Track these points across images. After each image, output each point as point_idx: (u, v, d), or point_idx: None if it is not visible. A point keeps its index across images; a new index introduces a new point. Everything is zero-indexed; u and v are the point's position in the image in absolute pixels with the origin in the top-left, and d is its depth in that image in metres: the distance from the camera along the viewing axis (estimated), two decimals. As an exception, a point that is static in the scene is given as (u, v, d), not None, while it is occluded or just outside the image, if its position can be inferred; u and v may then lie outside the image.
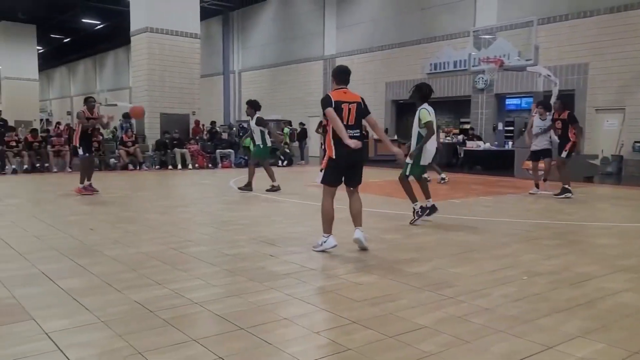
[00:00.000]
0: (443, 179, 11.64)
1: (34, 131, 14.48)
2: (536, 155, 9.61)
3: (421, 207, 6.47)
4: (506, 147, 16.58)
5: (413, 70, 20.46)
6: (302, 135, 19.98)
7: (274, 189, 9.46)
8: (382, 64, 21.58)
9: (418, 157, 6.47)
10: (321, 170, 4.87)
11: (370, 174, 7.94)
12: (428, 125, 6.34)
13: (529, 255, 4.78)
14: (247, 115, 9.64)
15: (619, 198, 10.06)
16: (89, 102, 9.10)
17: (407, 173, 6.54)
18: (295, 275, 4.03)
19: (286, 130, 18.95)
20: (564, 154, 9.10)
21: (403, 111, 22.81)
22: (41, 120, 30.69)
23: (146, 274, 3.97)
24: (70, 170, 14.04)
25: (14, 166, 13.62)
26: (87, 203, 8.10)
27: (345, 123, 4.59)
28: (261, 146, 9.39)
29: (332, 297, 3.54)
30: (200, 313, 3.17)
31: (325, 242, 4.80)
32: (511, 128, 18.45)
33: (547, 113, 9.45)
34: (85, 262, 4.28)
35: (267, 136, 9.37)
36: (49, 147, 14.18)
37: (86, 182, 9.13)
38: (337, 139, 4.61)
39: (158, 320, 3.00)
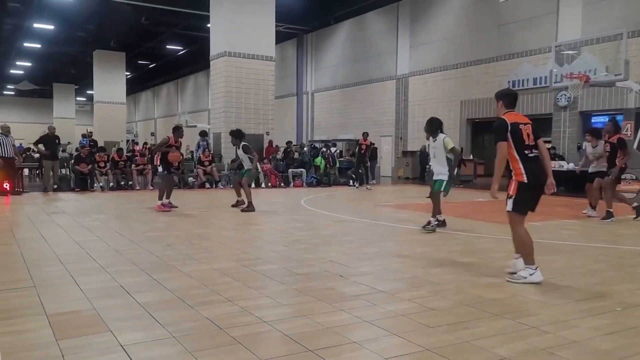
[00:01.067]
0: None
1: (119, 151, 15.42)
2: (592, 177, 9.27)
3: (439, 221, 7.43)
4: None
5: (490, 88, 19.81)
6: (373, 155, 19.85)
7: (239, 204, 9.88)
8: (457, 82, 21.11)
9: (451, 176, 7.44)
10: (509, 197, 4.50)
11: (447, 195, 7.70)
12: (455, 150, 7.45)
13: (622, 285, 4.38)
14: (233, 145, 9.99)
15: None
16: (178, 131, 9.69)
17: (442, 189, 7.33)
18: (365, 297, 3.92)
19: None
20: (609, 178, 8.67)
21: (479, 130, 22.13)
22: (127, 141, 32.68)
23: (218, 291, 4.01)
24: (152, 187, 14.77)
25: (101, 184, 14.52)
26: (165, 220, 8.44)
27: (527, 144, 4.47)
28: (253, 170, 9.90)
29: (404, 321, 3.39)
30: (269, 332, 3.14)
31: (532, 274, 4.37)
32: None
33: (598, 140, 9.04)
34: (160, 277, 4.41)
35: (256, 162, 9.90)
36: (132, 165, 15.02)
37: (165, 200, 9.53)
38: (525, 160, 4.39)
39: (227, 338, 3.00)
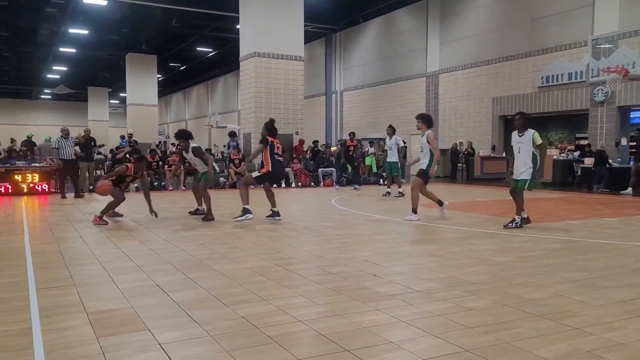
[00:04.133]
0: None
1: (152, 152, 15.68)
2: None
3: (523, 218, 7.31)
4: (631, 164, 15.05)
5: (523, 84, 19.42)
6: (403, 153, 19.67)
7: (198, 212, 8.90)
8: (489, 79, 20.74)
9: (534, 173, 7.26)
10: None
11: (476, 193, 7.56)
12: (543, 145, 7.28)
13: (668, 285, 4.21)
14: (182, 148, 8.67)
15: None
16: (141, 162, 8.80)
17: (526, 187, 7.24)
18: (400, 296, 3.87)
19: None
20: None
21: (511, 127, 21.71)
22: (159, 142, 33.29)
23: (252, 290, 4.03)
24: (184, 188, 14.98)
25: (136, 184, 14.80)
26: (197, 219, 8.52)
27: None
28: (210, 173, 8.55)
29: (441, 321, 3.33)
30: (305, 332, 3.12)
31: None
32: (634, 143, 16.75)
33: None
34: (195, 276, 4.46)
35: (213, 163, 8.69)
36: (165, 166, 15.26)
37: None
38: None
39: (264, 337, 3.00)
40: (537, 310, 3.53)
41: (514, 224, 7.32)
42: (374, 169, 18.17)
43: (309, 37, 26.20)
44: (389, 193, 12.71)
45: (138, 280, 4.34)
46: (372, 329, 3.17)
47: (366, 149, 20.35)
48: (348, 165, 15.87)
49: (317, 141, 20.86)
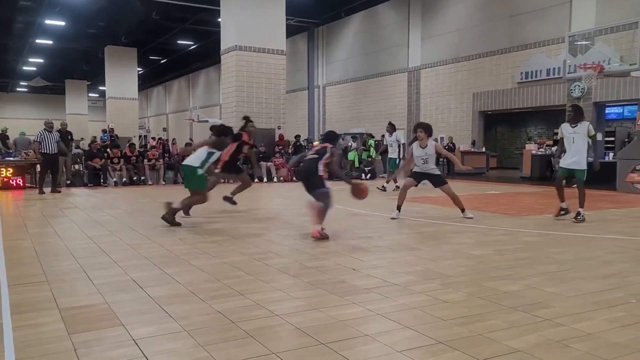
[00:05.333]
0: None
1: (131, 146, 15.47)
2: None
3: (562, 209, 7.68)
4: (606, 159, 15.34)
5: (502, 80, 19.63)
6: (386, 148, 19.77)
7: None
8: (469, 74, 20.92)
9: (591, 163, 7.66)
10: None
11: (455, 188, 7.64)
12: (595, 137, 7.50)
13: (637, 277, 4.31)
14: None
15: None
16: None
17: (584, 178, 7.58)
18: (377, 290, 3.90)
19: (370, 142, 18.86)
20: None
21: (491, 122, 21.94)
22: (140, 136, 32.90)
23: (229, 284, 4.02)
24: (164, 183, 14.84)
25: (115, 179, 14.63)
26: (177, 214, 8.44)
27: None
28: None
29: (417, 314, 3.37)
30: (281, 326, 3.13)
31: None
32: (612, 139, 17.07)
33: None
34: (172, 271, 4.43)
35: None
36: (145, 160, 15.09)
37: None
38: None
39: (239, 332, 3.00)
40: (510, 302, 3.59)
41: (581, 216, 7.39)
42: (357, 164, 18.22)
43: (291, 31, 26.09)
44: (384, 188, 12.72)
45: (113, 276, 4.30)
46: (348, 322, 3.19)
47: (349, 144, 20.38)
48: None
49: (299, 136, 20.82)
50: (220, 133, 7.51)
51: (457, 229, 6.86)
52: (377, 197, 11.54)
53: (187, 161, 7.24)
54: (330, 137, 6.52)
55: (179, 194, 12.28)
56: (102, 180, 14.26)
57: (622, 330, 3.04)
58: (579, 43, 13.72)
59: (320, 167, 6.15)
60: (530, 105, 18.99)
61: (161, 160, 15.36)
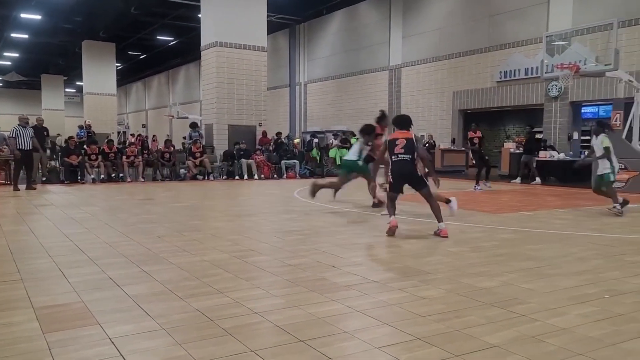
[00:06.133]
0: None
1: (109, 142, 15.25)
2: None
3: (623, 202, 8.22)
4: (582, 158, 15.63)
5: (482, 79, 19.86)
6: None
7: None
8: (449, 73, 21.11)
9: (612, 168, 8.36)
10: None
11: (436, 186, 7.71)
12: (608, 148, 8.27)
13: (611, 272, 4.41)
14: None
15: None
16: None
17: (606, 179, 8.33)
18: (357, 287, 3.91)
19: (353, 140, 18.87)
20: None
21: (470, 121, 22.15)
22: (118, 132, 32.45)
23: (208, 282, 4.00)
24: (143, 180, 14.68)
25: (92, 176, 14.42)
26: (156, 211, 8.38)
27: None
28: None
29: (395, 311, 3.39)
30: (260, 323, 3.12)
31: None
32: (587, 137, 17.38)
33: None
34: (150, 269, 4.39)
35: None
36: (123, 157, 14.91)
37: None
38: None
39: (218, 330, 2.99)
40: (487, 298, 3.64)
41: (616, 209, 8.19)
42: (338, 161, 18.24)
43: (273, 28, 26.00)
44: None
45: (90, 274, 4.24)
46: (327, 319, 3.19)
47: (330, 141, 20.39)
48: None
49: (280, 133, 20.77)
50: (368, 132, 8.62)
51: (436, 226, 6.91)
52: (357, 194, 11.59)
53: (347, 156, 8.90)
54: (406, 122, 6.43)
55: (157, 190, 12.20)
56: (79, 177, 14.05)
57: (595, 325, 3.11)
58: (556, 43, 13.96)
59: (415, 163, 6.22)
60: (509, 104, 19.25)
61: (140, 157, 15.18)
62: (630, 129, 12.51)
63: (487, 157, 12.80)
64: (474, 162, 12.67)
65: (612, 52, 12.05)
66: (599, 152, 8.35)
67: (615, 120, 12.75)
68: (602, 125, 8.63)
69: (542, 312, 3.33)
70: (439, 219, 6.19)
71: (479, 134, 13.16)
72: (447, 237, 6.00)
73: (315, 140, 19.73)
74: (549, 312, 3.34)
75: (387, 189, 6.86)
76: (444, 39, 21.17)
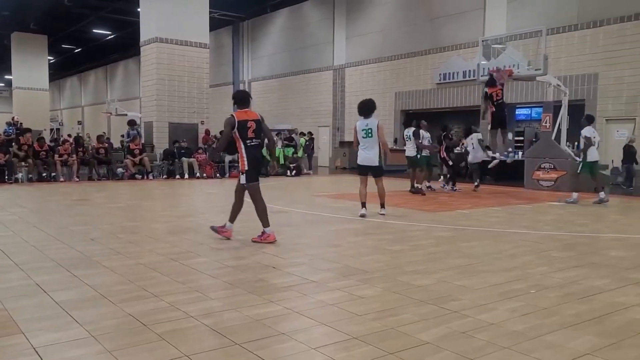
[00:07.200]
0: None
1: (40, 140, 14.48)
2: None
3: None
4: (516, 158, 16.35)
5: (423, 80, 20.38)
6: (311, 146, 19.94)
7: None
8: (392, 74, 21.53)
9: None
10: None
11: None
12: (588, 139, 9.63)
13: (538, 268, 4.64)
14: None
15: (630, 209, 9.84)
16: None
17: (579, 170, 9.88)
18: (296, 288, 3.92)
19: (301, 141, 18.91)
20: None
21: (412, 121, 22.71)
22: (52, 129, 30.94)
23: (143, 286, 3.88)
24: (77, 179, 14.06)
25: (20, 174, 13.66)
26: (91, 213, 8.06)
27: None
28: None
29: (333, 311, 3.42)
30: (196, 327, 3.07)
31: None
32: (521, 138, 18.23)
33: None
34: (82, 274, 4.21)
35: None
36: (56, 156, 14.21)
37: None
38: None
39: (151, 335, 2.91)
40: (422, 296, 3.74)
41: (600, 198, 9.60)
42: (282, 160, 18.19)
43: (215, 25, 25.57)
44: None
45: (15, 280, 4.02)
46: (265, 321, 3.18)
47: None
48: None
49: (222, 131, 20.43)
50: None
51: (377, 225, 7.05)
52: (298, 194, 11.62)
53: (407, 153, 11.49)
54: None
55: (93, 190, 11.71)
56: (6, 177, 13.27)
57: (521, 319, 3.26)
58: (492, 47, 14.53)
59: None
60: (448, 106, 19.86)
61: (74, 155, 14.53)
62: (559, 130, 13.20)
63: (451, 162, 12.80)
64: (449, 163, 12.77)
65: (542, 58, 12.67)
66: (582, 143, 9.57)
67: (545, 122, 13.41)
68: (588, 119, 9.85)
69: (473, 308, 3.46)
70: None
71: (462, 141, 13.67)
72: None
73: (275, 138, 19.45)
74: (479, 308, 3.47)
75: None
76: (387, 40, 21.56)
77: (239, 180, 5.82)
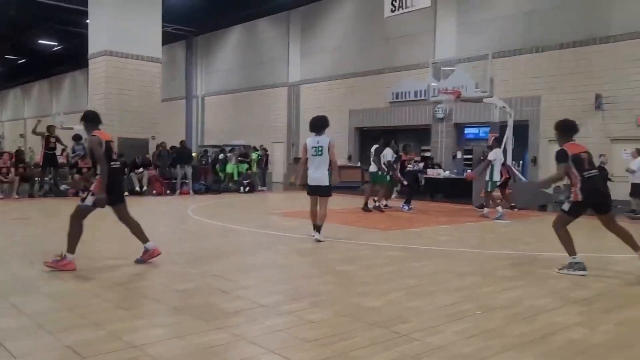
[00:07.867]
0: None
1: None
2: None
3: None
4: (465, 175, 16.81)
5: (376, 99, 20.72)
6: (265, 161, 19.84)
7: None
8: (346, 92, 21.79)
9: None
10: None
11: (331, 202, 7.83)
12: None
13: (484, 289, 4.74)
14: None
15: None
16: None
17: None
18: (245, 313, 3.84)
19: (254, 155, 18.76)
20: None
21: (366, 138, 22.99)
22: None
23: (84, 314, 3.70)
24: (17, 196, 13.40)
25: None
26: (30, 233, 7.68)
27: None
28: None
29: (282, 337, 3.37)
30: (137, 358, 2.94)
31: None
32: (470, 156, 18.79)
33: None
34: (17, 301, 3.98)
35: None
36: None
37: None
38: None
39: (90, 368, 2.77)
40: (372, 318, 3.74)
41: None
42: (235, 177, 18.00)
43: (169, 38, 25.19)
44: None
45: (-58, 310, 3.76)
46: (211, 349, 3.09)
47: (227, 155, 19.97)
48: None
49: (174, 147, 20.03)
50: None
51: (329, 244, 7.03)
52: (250, 211, 11.49)
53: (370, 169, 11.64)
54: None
55: (34, 208, 11.16)
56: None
57: (468, 341, 3.31)
58: (441, 69, 15.00)
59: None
60: (400, 124, 20.25)
61: (14, 170, 13.85)
62: (505, 150, 13.70)
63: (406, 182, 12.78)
64: (404, 183, 12.81)
65: (488, 81, 13.18)
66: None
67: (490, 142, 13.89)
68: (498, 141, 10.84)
69: (422, 330, 3.49)
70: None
71: (412, 155, 13.82)
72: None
73: (229, 154, 19.08)
74: (427, 330, 3.50)
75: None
76: (341, 58, 21.85)
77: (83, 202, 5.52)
